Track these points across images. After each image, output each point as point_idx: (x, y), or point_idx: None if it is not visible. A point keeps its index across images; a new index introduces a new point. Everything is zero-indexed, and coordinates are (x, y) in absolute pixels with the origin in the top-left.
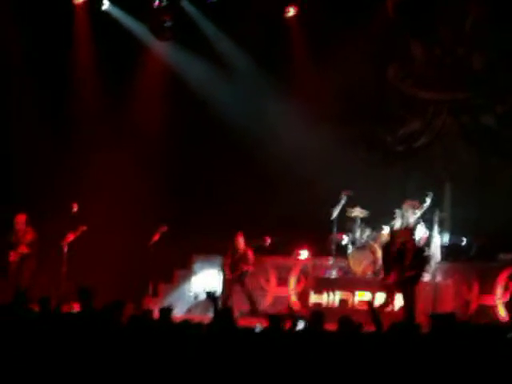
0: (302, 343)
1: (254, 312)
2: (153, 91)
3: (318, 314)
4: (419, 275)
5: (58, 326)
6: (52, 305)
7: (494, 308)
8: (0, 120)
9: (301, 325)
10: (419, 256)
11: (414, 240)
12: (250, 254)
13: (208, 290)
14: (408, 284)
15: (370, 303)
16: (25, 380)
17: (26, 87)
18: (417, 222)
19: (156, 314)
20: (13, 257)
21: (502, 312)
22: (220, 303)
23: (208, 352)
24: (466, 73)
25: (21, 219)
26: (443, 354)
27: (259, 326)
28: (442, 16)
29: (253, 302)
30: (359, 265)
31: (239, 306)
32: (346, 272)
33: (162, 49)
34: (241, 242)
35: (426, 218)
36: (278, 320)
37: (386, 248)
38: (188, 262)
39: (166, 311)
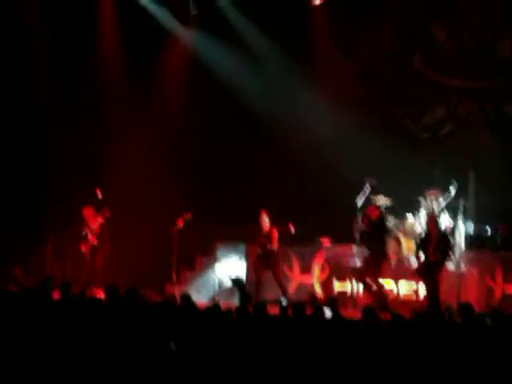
0: (325, 330)
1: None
2: (178, 77)
3: (332, 301)
4: (443, 261)
5: (78, 312)
6: (75, 290)
7: None
8: (24, 105)
9: (328, 313)
10: (443, 242)
11: (438, 227)
12: (275, 234)
13: (233, 276)
14: (432, 271)
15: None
16: (42, 364)
17: (50, 71)
18: (441, 211)
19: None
20: (84, 248)
21: None
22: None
23: (239, 337)
24: (492, 60)
25: (88, 211)
26: (465, 343)
27: (284, 300)
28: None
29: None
30: None
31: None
32: None
33: (187, 35)
34: (265, 220)
35: (451, 207)
36: (302, 308)
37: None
38: (211, 249)
39: (187, 298)
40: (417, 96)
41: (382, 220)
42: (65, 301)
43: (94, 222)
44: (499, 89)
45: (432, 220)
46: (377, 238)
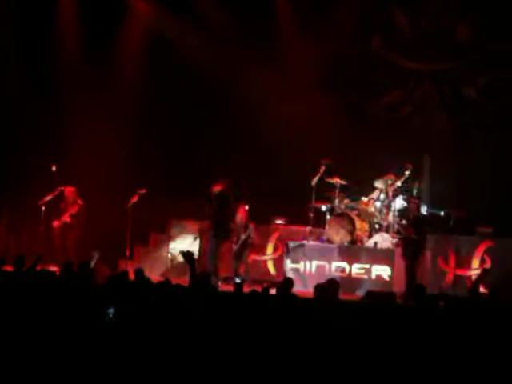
0: (275, 308)
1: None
2: (137, 53)
3: (287, 280)
4: (421, 242)
5: (30, 285)
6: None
7: (469, 280)
8: None
9: (272, 290)
10: (418, 223)
11: (419, 209)
12: (251, 225)
13: (184, 250)
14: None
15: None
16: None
17: (8, 48)
18: (395, 193)
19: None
20: (55, 224)
21: None
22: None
23: (188, 313)
24: (449, 43)
25: (70, 189)
26: (416, 325)
27: (238, 279)
28: None
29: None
30: (337, 233)
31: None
32: (323, 240)
33: (145, 9)
34: (240, 215)
35: (405, 189)
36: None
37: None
38: (166, 227)
39: (140, 272)
40: (375, 78)
41: (223, 195)
42: (18, 273)
43: (74, 202)
44: (456, 72)
45: (412, 201)
46: (217, 211)
